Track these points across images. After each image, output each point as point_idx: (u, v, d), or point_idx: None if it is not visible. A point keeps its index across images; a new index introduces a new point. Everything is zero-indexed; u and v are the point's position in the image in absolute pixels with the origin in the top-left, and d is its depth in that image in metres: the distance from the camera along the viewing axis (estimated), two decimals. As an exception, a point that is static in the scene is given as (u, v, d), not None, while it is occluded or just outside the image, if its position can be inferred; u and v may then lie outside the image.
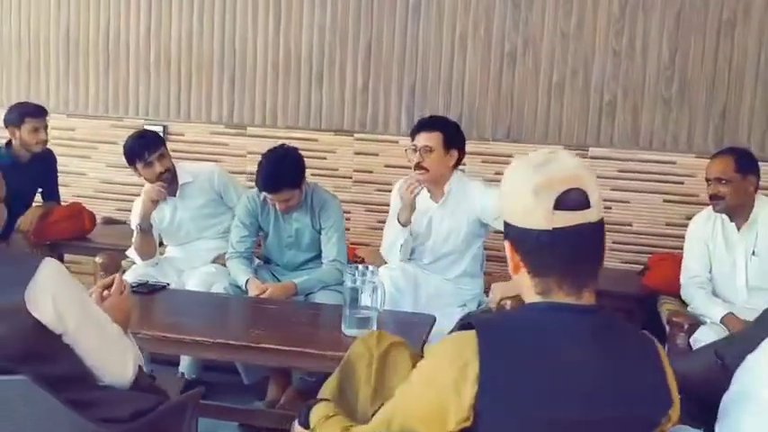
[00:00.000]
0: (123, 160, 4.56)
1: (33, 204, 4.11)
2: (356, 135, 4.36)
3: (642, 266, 3.95)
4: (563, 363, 1.35)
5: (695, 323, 3.08)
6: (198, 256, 3.74)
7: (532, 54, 4.10)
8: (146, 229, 3.54)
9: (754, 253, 3.17)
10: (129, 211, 4.61)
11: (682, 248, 3.88)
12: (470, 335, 1.38)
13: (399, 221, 3.38)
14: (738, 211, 3.18)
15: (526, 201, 1.39)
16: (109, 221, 4.56)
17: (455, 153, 3.35)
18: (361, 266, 2.75)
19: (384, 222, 4.29)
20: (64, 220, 4.07)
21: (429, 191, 3.42)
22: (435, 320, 3.02)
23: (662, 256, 3.82)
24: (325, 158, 4.40)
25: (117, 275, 2.19)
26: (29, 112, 3.91)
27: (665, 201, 4.04)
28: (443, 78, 4.23)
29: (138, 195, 3.64)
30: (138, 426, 1.84)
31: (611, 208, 4.08)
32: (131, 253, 3.66)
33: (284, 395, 3.38)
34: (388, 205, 4.32)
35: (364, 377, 1.95)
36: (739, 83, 3.89)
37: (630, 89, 4.01)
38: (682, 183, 4.01)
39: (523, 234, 1.40)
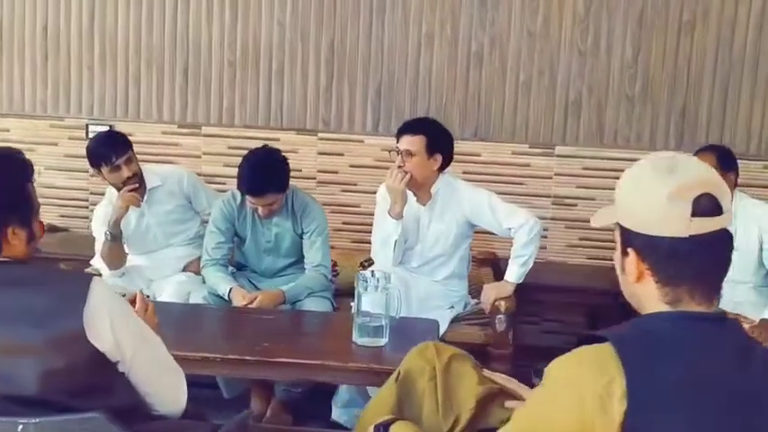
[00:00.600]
0: (65, 163, 4.34)
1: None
2: (320, 134, 4.23)
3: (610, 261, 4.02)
4: (704, 376, 1.32)
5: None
6: (167, 265, 3.53)
7: (499, 53, 4.10)
8: (116, 236, 3.31)
9: (734, 248, 3.27)
10: (71, 217, 4.39)
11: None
12: (607, 348, 1.32)
13: (391, 215, 3.27)
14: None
15: (660, 208, 1.34)
16: (52, 229, 4.22)
17: (439, 157, 3.29)
18: (371, 272, 2.65)
19: (348, 224, 4.25)
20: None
21: (415, 194, 3.35)
22: (439, 325, 2.97)
23: (632, 251, 3.90)
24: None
25: (138, 292, 2.01)
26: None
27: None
28: (410, 77, 4.16)
29: (86, 201, 3.40)
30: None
31: (576, 205, 4.15)
32: (96, 262, 3.41)
33: (269, 408, 3.24)
34: (354, 206, 4.27)
35: (428, 391, 1.87)
36: (698, 82, 4.02)
37: (595, 87, 4.07)
38: (644, 180, 4.10)
39: (655, 242, 1.36)
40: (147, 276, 3.46)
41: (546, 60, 4.08)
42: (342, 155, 4.24)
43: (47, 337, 1.47)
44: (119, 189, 3.35)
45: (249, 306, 3.09)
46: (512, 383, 1.88)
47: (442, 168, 3.33)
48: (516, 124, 4.14)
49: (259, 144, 3.61)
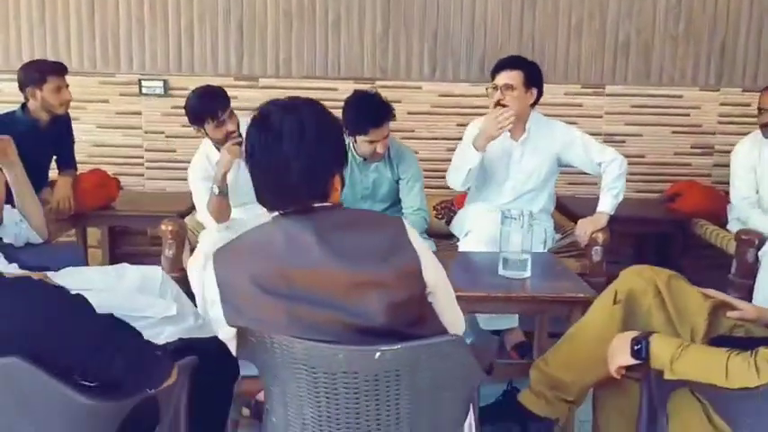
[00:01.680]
0: (117, 121, 4.27)
1: (59, 175, 3.68)
2: (377, 83, 4.30)
3: (659, 193, 4.30)
4: None
5: (763, 238, 3.43)
6: (260, 218, 3.57)
7: (551, -3, 4.25)
8: (224, 190, 3.33)
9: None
10: (127, 175, 4.34)
11: (697, 176, 4.29)
12: None
13: (475, 146, 3.40)
14: (784, 137, 3.57)
15: None
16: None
17: (534, 91, 3.44)
18: (515, 211, 2.78)
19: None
20: (93, 189, 3.69)
21: (509, 130, 3.49)
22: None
23: (685, 183, 4.18)
24: (345, 108, 4.30)
25: None
26: (50, 70, 3.47)
27: (672, 132, 4.39)
28: (465, 23, 4.26)
29: (141, 158, 3.43)
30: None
31: (625, 142, 4.37)
32: (202, 217, 3.43)
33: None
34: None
35: (655, 306, 2.05)
36: (735, 22, 4.28)
37: (642, 28, 4.28)
38: (688, 114, 4.37)
39: None
40: (241, 226, 3.49)
41: (596, 3, 4.25)
42: (399, 102, 4.29)
43: (393, 271, 1.57)
44: (220, 143, 3.36)
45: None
46: (728, 297, 2.08)
47: (534, 104, 3.48)
48: (569, 66, 4.31)
49: (319, 94, 3.70)
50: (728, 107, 4.35)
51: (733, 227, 3.69)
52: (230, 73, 4.26)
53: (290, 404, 1.69)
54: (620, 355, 1.87)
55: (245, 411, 2.41)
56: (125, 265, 2.86)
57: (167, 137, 4.31)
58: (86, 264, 3.01)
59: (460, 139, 3.91)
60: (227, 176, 3.45)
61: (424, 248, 1.65)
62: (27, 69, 3.46)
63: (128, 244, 4.35)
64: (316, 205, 1.61)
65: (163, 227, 3.34)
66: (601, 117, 4.35)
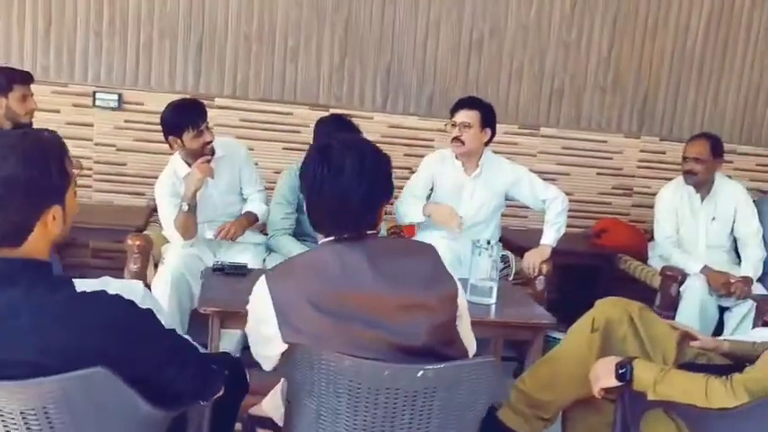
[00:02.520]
0: (68, 131, 4.23)
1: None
2: (331, 110, 4.46)
3: (584, 229, 4.68)
4: None
5: (684, 274, 3.81)
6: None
7: (497, 42, 4.56)
8: (193, 207, 3.39)
9: (714, 219, 4.01)
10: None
11: (617, 214, 4.70)
12: None
13: (424, 212, 3.68)
14: (704, 185, 4.00)
15: None
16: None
17: (488, 131, 3.71)
18: (483, 241, 3.02)
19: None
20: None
21: (463, 165, 3.74)
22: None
23: (609, 221, 4.57)
24: (299, 132, 4.44)
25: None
26: (17, 78, 3.44)
27: (597, 173, 4.79)
28: (417, 60, 4.51)
29: (90, 170, 3.73)
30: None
31: (556, 180, 4.71)
32: (169, 232, 3.47)
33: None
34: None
35: (630, 335, 2.32)
36: (656, 77, 4.74)
37: (575, 77, 4.67)
38: (611, 158, 4.79)
39: None
40: (212, 245, 3.56)
41: (536, 51, 4.60)
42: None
43: (436, 296, 1.75)
44: (196, 154, 3.41)
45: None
46: (690, 329, 2.39)
47: (487, 143, 3.75)
48: (508, 107, 4.63)
49: (274, 117, 4.25)
50: (647, 153, 4.80)
51: (655, 263, 4.08)
52: (187, 90, 4.31)
53: (323, 418, 1.82)
54: (605, 378, 2.11)
55: (238, 426, 2.50)
56: (107, 278, 2.87)
57: (118, 150, 4.31)
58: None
59: (408, 168, 4.16)
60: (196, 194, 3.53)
61: (456, 277, 1.85)
62: (-7, 75, 3.42)
63: (69, 256, 4.30)
64: (368, 233, 1.77)
65: (129, 241, 3.37)
66: (535, 156, 4.69)
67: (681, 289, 3.78)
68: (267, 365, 1.87)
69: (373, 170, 1.76)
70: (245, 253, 3.52)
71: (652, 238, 4.36)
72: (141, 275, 3.40)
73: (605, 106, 4.73)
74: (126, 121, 4.27)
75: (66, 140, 4.13)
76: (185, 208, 3.36)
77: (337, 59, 4.43)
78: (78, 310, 1.49)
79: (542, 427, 2.48)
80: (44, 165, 1.51)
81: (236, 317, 2.63)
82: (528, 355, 3.30)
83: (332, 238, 1.79)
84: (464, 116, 3.65)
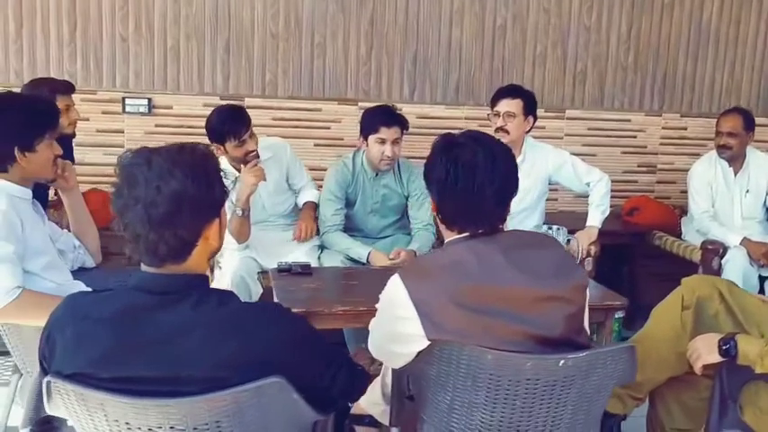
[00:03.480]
0: (99, 139, 4.19)
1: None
2: (360, 104, 4.47)
3: (612, 208, 4.73)
4: None
5: (724, 247, 3.89)
6: (274, 233, 3.66)
7: (520, 28, 4.59)
8: (247, 212, 3.38)
9: (747, 191, 4.10)
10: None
11: (643, 192, 4.77)
12: None
13: None
14: (737, 159, 4.08)
15: None
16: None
17: (531, 119, 3.75)
18: (554, 227, 3.07)
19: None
20: (101, 209, 3.61)
21: (506, 154, 3.77)
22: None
23: (639, 199, 4.63)
24: (329, 128, 4.44)
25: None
26: (60, 89, 3.39)
27: (622, 152, 4.85)
28: (442, 49, 4.53)
29: None
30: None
31: (583, 161, 4.77)
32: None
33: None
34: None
35: (722, 311, 2.38)
36: (674, 54, 4.80)
37: (597, 59, 4.71)
38: (635, 137, 4.85)
39: None
40: (262, 247, 3.56)
41: (558, 34, 4.64)
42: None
43: (570, 286, 1.79)
44: (239, 162, 3.41)
45: (393, 263, 3.36)
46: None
47: (529, 130, 3.79)
48: (534, 91, 4.64)
49: (303, 114, 4.24)
50: (668, 130, 4.87)
51: (691, 238, 4.16)
52: (216, 92, 4.29)
53: (456, 412, 1.86)
54: (707, 354, 2.17)
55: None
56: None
57: (150, 155, 4.26)
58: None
59: None
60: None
61: None
62: (34, 88, 3.36)
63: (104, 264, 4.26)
64: (501, 227, 1.80)
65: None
66: (561, 138, 4.74)
67: (722, 261, 3.86)
68: (397, 363, 1.90)
69: (504, 163, 1.79)
70: (298, 251, 3.53)
71: (683, 214, 4.44)
72: (199, 280, 3.40)
73: (627, 85, 4.79)
74: (156, 126, 4.24)
75: (97, 148, 4.14)
76: (239, 213, 3.35)
77: (364, 52, 4.43)
78: (247, 321, 1.50)
79: (635, 405, 2.53)
80: (208, 179, 1.51)
81: (318, 316, 2.66)
82: (598, 336, 3.37)
83: (465, 234, 1.81)
84: (507, 105, 3.67)
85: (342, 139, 4.46)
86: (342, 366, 1.66)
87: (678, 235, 4.33)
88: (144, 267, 1.53)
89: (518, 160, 3.72)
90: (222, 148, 3.42)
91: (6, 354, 3.43)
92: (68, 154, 3.62)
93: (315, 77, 4.41)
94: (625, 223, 4.53)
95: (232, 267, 3.35)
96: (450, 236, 1.86)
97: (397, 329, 1.80)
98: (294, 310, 2.59)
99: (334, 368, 1.63)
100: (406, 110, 4.48)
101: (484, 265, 1.75)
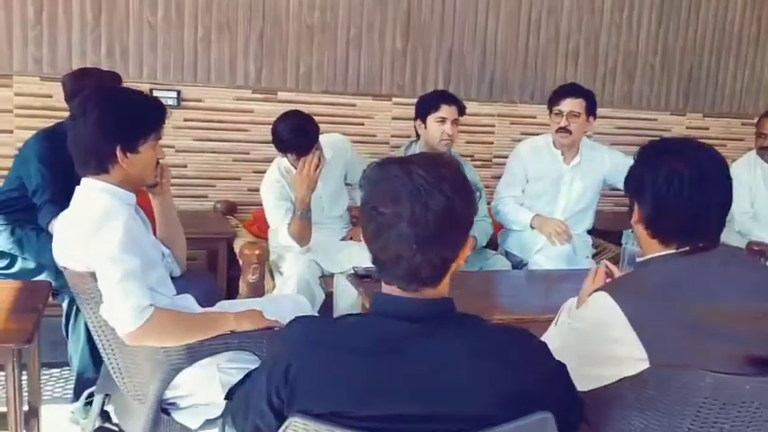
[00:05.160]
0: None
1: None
2: (394, 99, 4.31)
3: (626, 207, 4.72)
4: None
5: (773, 248, 3.91)
6: (333, 236, 3.49)
7: (554, 23, 4.51)
8: (306, 213, 3.19)
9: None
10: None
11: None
12: None
13: (531, 224, 3.59)
14: (779, 160, 4.11)
15: None
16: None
17: (592, 119, 3.66)
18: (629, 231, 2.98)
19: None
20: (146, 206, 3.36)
21: (562, 153, 3.69)
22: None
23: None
24: (362, 124, 4.28)
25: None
26: (106, 81, 3.12)
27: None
28: (477, 44, 4.41)
29: None
30: None
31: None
32: (285, 240, 3.25)
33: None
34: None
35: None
36: (699, 53, 4.82)
37: (628, 56, 4.68)
38: (659, 137, 4.83)
39: None
40: (324, 249, 3.38)
41: (591, 30, 4.58)
42: (415, 119, 4.35)
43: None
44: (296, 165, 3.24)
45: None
46: None
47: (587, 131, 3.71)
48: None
49: (338, 109, 4.10)
50: (692, 130, 4.88)
51: (731, 239, 4.16)
52: (248, 85, 4.07)
53: (648, 437, 1.75)
54: None
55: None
56: (274, 294, 2.68)
57: (177, 151, 4.02)
58: (221, 294, 2.76)
59: (470, 156, 4.09)
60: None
61: None
62: (82, 79, 3.09)
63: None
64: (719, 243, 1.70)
65: (247, 251, 3.15)
66: (591, 137, 4.67)
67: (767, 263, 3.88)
68: (590, 385, 1.77)
69: (727, 173, 1.68)
70: (359, 255, 3.36)
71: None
72: (260, 286, 3.20)
73: (654, 84, 4.77)
74: (185, 120, 3.99)
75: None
76: (299, 215, 3.16)
77: (399, 46, 4.28)
78: (510, 349, 1.35)
79: None
80: (469, 193, 1.35)
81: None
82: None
83: (682, 249, 1.69)
84: (572, 105, 3.57)
85: (375, 136, 4.30)
86: (574, 388, 1.52)
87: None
88: (392, 291, 1.35)
89: (574, 162, 3.67)
90: (283, 154, 3.23)
91: (56, 365, 3.22)
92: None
93: (350, 72, 4.23)
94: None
95: (297, 272, 3.16)
96: (658, 250, 1.73)
97: (606, 352, 1.68)
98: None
99: (572, 390, 1.50)
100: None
101: (704, 283, 1.64)
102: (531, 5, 4.45)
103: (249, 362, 2.19)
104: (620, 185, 3.69)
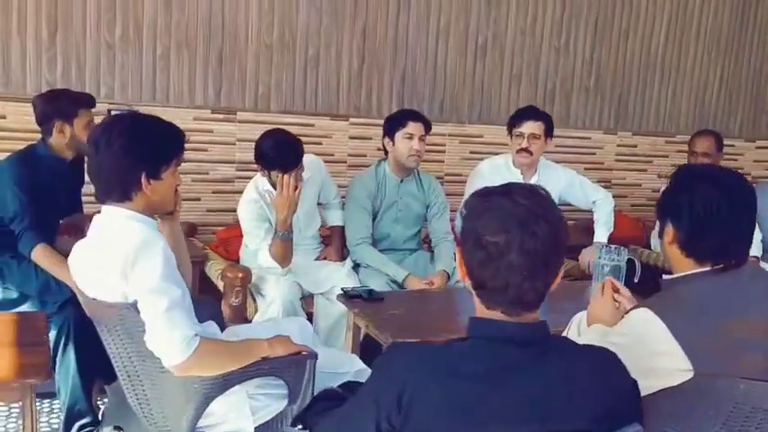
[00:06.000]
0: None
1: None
2: (351, 119, 4.38)
3: (576, 222, 4.98)
4: None
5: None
6: (308, 256, 3.51)
7: (498, 48, 4.70)
8: (288, 234, 3.20)
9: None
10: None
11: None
12: None
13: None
14: (708, 177, 4.43)
15: None
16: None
17: (550, 140, 3.86)
18: (612, 246, 3.17)
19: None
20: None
21: (522, 172, 3.86)
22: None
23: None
24: (320, 143, 4.31)
25: None
26: (82, 102, 3.03)
27: (585, 168, 5.09)
28: (429, 66, 4.53)
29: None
30: None
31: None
32: (266, 261, 3.24)
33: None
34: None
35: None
36: (628, 77, 5.14)
37: (565, 80, 4.93)
38: (594, 153, 5.13)
39: None
40: (305, 269, 3.39)
41: (532, 55, 4.80)
42: (371, 138, 4.44)
43: None
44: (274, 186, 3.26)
45: (428, 288, 3.34)
46: None
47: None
48: (510, 110, 4.76)
49: (296, 129, 3.87)
50: (622, 147, 5.20)
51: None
52: (207, 105, 4.03)
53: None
54: None
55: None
56: (276, 318, 2.67)
57: (135, 172, 3.92)
58: (221, 318, 2.70)
59: None
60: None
61: None
62: (55, 101, 2.99)
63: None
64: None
65: (230, 274, 3.14)
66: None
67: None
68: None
69: (752, 191, 1.84)
70: (337, 274, 3.41)
71: (649, 228, 4.75)
72: (243, 309, 3.18)
73: (589, 105, 5.05)
74: (144, 140, 3.89)
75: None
76: (281, 235, 3.17)
77: (356, 66, 4.35)
78: (603, 369, 1.45)
79: None
80: (565, 220, 1.44)
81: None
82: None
83: (717, 267, 1.83)
84: (532, 127, 3.74)
85: (333, 155, 4.34)
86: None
87: (647, 247, 4.62)
88: (494, 315, 1.42)
89: (534, 179, 3.85)
90: (266, 171, 3.23)
91: (41, 396, 3.04)
92: (81, 172, 3.27)
93: (308, 91, 4.26)
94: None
95: (281, 294, 3.16)
96: (692, 268, 1.87)
97: (650, 364, 1.80)
98: (410, 340, 2.54)
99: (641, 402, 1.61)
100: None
101: (737, 298, 1.80)
102: (478, 31, 4.62)
103: (276, 387, 2.21)
104: (573, 201, 3.93)
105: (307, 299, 3.36)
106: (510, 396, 1.35)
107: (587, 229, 4.85)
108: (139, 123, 2.10)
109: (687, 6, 5.20)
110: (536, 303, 1.42)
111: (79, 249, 2.12)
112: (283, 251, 3.21)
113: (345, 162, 4.40)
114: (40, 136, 3.09)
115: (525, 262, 1.36)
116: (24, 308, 2.75)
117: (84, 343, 2.68)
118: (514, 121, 3.81)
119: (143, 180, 2.04)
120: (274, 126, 4.05)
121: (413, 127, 3.56)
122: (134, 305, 1.92)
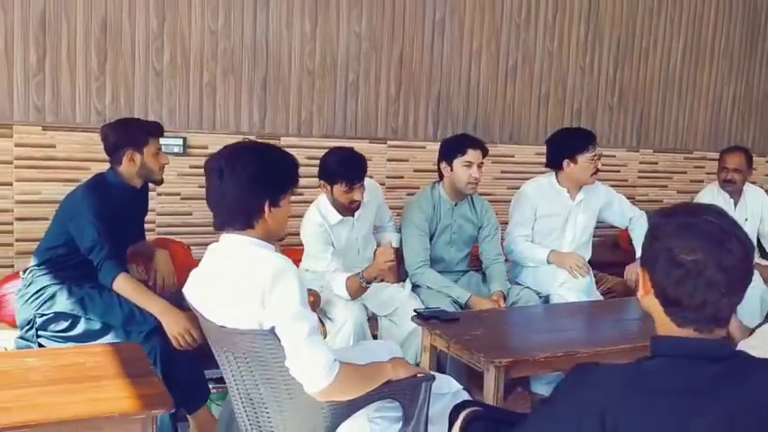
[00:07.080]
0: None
1: (147, 247, 3.20)
2: (389, 142, 4.42)
3: (601, 238, 5.06)
4: None
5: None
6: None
7: (528, 69, 4.78)
8: (371, 282, 3.22)
9: (746, 220, 4.57)
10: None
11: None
12: None
13: (548, 259, 3.82)
14: (738, 191, 4.54)
15: None
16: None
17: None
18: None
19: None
20: (187, 261, 3.26)
21: (568, 191, 3.91)
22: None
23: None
24: (360, 167, 4.33)
25: None
26: (152, 131, 3.04)
27: (610, 185, 5.18)
28: (462, 89, 4.60)
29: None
30: None
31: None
32: (339, 290, 3.23)
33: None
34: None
35: None
36: (648, 95, 5.25)
37: (590, 99, 5.03)
38: (618, 171, 5.22)
39: None
40: (368, 292, 3.39)
41: (558, 76, 4.89)
42: (407, 161, 4.49)
43: None
44: (341, 206, 3.28)
45: (496, 308, 3.37)
46: None
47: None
48: (539, 129, 4.88)
49: None
50: (644, 165, 5.30)
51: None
52: (252, 131, 4.04)
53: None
54: None
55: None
56: (367, 342, 2.68)
57: (182, 199, 3.92)
58: None
59: None
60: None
61: None
62: (126, 130, 2.98)
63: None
64: None
65: (303, 299, 3.12)
66: (560, 174, 4.98)
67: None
68: None
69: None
70: (400, 295, 3.43)
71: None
72: (313, 334, 3.17)
73: (613, 123, 5.15)
74: (191, 167, 3.90)
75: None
76: (364, 284, 3.18)
77: (393, 91, 4.40)
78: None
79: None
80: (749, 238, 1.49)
81: (525, 364, 2.64)
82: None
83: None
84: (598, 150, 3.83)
85: (371, 178, 4.34)
86: None
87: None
88: (684, 333, 1.46)
89: (580, 197, 3.92)
90: (329, 187, 3.25)
91: None
92: (146, 200, 3.28)
93: (348, 116, 4.29)
94: (626, 253, 4.84)
95: (353, 316, 3.17)
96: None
97: None
98: (504, 362, 2.57)
99: None
100: (430, 147, 4.55)
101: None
102: (509, 54, 4.71)
103: (391, 410, 2.21)
104: (610, 218, 4.01)
105: (371, 321, 3.36)
106: (715, 410, 1.38)
107: (615, 245, 4.98)
108: (263, 153, 2.12)
109: (702, 28, 5.34)
110: (728, 320, 1.46)
111: (199, 278, 2.12)
112: (358, 291, 3.21)
113: (384, 184, 4.42)
114: (87, 165, 3.09)
115: (724, 279, 1.39)
116: (108, 339, 2.72)
117: (169, 372, 2.67)
118: (584, 145, 3.82)
119: (266, 208, 2.05)
120: (318, 149, 4.14)
121: (472, 155, 3.59)
122: (271, 331, 1.92)
